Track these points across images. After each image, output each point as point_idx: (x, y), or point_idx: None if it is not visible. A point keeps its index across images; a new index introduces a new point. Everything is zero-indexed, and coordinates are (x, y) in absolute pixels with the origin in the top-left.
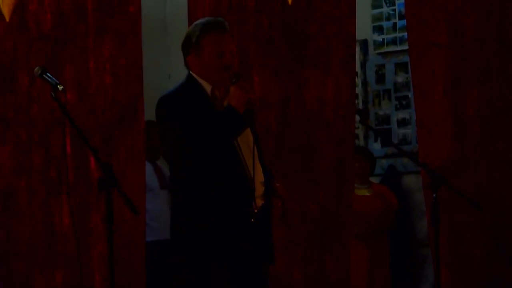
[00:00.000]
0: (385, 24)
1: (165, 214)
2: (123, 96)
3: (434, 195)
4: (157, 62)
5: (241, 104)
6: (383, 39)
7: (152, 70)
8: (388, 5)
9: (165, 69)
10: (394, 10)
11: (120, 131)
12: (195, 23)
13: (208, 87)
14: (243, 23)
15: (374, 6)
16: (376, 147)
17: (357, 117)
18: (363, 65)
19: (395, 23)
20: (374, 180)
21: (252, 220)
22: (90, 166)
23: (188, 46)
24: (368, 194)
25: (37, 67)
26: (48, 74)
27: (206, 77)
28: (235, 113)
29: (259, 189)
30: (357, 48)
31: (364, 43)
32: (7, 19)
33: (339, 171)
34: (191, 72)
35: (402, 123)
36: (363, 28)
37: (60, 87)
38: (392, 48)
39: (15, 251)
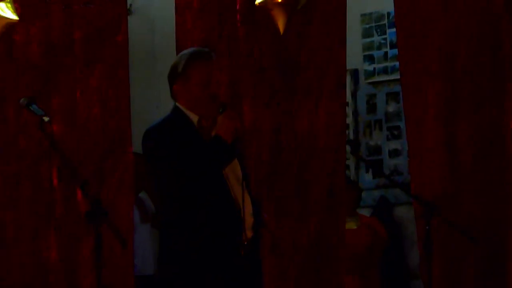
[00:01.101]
0: (376, 53)
1: (145, 249)
2: (111, 127)
3: (427, 226)
4: (146, 92)
5: (229, 133)
6: (374, 68)
7: (140, 100)
8: (379, 34)
9: (153, 99)
10: (385, 39)
11: (109, 163)
12: (181, 53)
13: (194, 118)
14: (234, 53)
15: (364, 35)
16: (367, 178)
17: (348, 148)
18: (354, 95)
19: (386, 52)
20: (365, 212)
21: (242, 252)
22: (77, 198)
23: (175, 75)
24: (355, 227)
25: (23, 98)
26: (34, 105)
27: (193, 107)
28: (223, 143)
29: (249, 221)
30: (348, 78)
31: (355, 73)
32: None
33: (330, 201)
34: (177, 104)
35: (394, 153)
36: (354, 57)
37: (46, 119)
38: (383, 78)
39: (4, 285)
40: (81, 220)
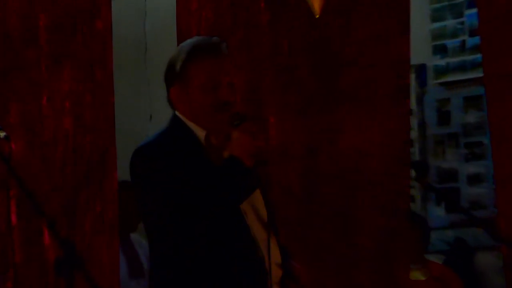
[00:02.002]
0: (450, 43)
1: None
2: (89, 146)
3: None
4: (134, 98)
5: (248, 155)
6: (447, 63)
7: (128, 109)
8: (453, 16)
9: (145, 107)
10: (463, 23)
11: (86, 194)
12: (181, 45)
13: (200, 133)
14: (254, 45)
15: (434, 19)
16: (438, 213)
17: (412, 173)
18: (419, 100)
19: (463, 41)
20: (435, 258)
21: None
22: (44, 242)
23: (172, 76)
24: (422, 279)
25: None
26: None
27: (197, 118)
28: (240, 169)
29: (276, 274)
30: (412, 77)
31: (421, 70)
32: None
33: (387, 246)
34: (176, 113)
35: (474, 179)
36: (420, 49)
37: (2, 134)
38: (459, 76)
39: None
40: (48, 270)
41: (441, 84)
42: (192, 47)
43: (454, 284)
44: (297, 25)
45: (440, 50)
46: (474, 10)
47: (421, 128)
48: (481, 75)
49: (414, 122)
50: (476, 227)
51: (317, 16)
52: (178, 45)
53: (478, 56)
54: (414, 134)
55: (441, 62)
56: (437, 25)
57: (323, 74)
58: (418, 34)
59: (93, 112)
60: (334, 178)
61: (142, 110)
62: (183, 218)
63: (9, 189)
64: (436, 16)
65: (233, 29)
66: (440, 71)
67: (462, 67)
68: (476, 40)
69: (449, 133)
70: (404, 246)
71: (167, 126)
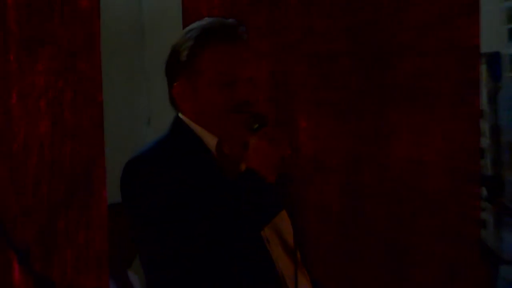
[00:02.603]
0: None
1: None
2: (70, 157)
3: None
4: (129, 95)
5: (270, 168)
6: None
7: (120, 110)
8: None
9: (141, 108)
10: None
11: (67, 218)
12: (188, 27)
13: (211, 140)
14: (281, 29)
15: None
16: None
17: (483, 191)
18: (492, 98)
19: None
20: None
21: None
22: (13, 279)
23: (175, 67)
24: None
25: None
26: None
27: (207, 123)
28: (259, 185)
29: None
30: (482, 69)
31: (494, 60)
32: None
33: (450, 285)
34: (180, 115)
35: None
36: (492, 34)
37: None
38: None
39: None
40: None
41: None
42: (203, 31)
43: None
44: (336, 4)
45: None
46: None
47: (494, 134)
48: None
49: (485, 126)
50: None
51: None
52: (184, 28)
53: None
54: (485, 141)
55: None
56: None
57: (369, 65)
58: (489, 15)
59: (76, 113)
60: (383, 196)
61: (139, 111)
62: (188, 249)
63: None
64: None
65: (254, 8)
66: None
67: None
68: None
69: None
70: (470, 284)
71: (168, 131)
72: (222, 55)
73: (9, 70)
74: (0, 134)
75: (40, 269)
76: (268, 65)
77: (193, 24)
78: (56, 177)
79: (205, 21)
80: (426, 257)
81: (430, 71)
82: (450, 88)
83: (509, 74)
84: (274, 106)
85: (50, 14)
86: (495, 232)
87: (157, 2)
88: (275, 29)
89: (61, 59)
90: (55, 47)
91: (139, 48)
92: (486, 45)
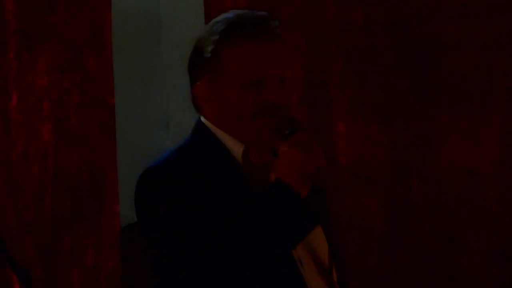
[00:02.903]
0: None
1: None
2: (77, 167)
3: None
4: (144, 97)
5: (302, 179)
6: None
7: (134, 114)
8: None
9: (159, 110)
10: None
11: (73, 237)
12: (213, 20)
13: (236, 148)
14: (316, 21)
15: None
16: None
17: None
18: None
19: None
20: None
21: None
22: None
23: (198, 65)
24: None
25: None
26: None
27: (232, 128)
28: (290, 198)
29: None
30: None
31: None
32: None
33: None
34: (202, 119)
35: None
36: None
37: None
38: None
39: None
40: None
41: None
42: (229, 25)
43: None
44: None
45: None
46: None
47: None
48: None
49: None
50: None
51: None
52: (205, 20)
53: None
54: None
55: None
56: None
57: (414, 61)
58: None
59: (84, 117)
60: (432, 211)
61: (156, 115)
62: (209, 271)
63: None
64: None
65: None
66: None
67: None
68: None
69: None
70: None
71: (189, 138)
72: (250, 51)
73: (7, 69)
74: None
75: None
76: (301, 61)
77: (219, 17)
78: (61, 190)
79: (232, 13)
80: (483, 280)
81: (483, 67)
82: (506, 87)
83: None
84: (307, 108)
85: (54, 6)
86: None
87: None
88: (309, 21)
89: (66, 55)
90: (59, 42)
91: (155, 43)
92: None
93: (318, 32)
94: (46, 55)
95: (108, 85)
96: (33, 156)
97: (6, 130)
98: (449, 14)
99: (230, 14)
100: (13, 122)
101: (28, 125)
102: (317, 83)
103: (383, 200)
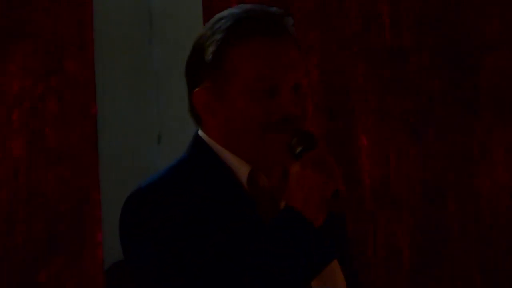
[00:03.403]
0: None
1: None
2: (54, 187)
3: None
4: (132, 106)
5: (315, 205)
6: None
7: (121, 125)
8: None
9: (149, 121)
10: None
11: (50, 269)
12: (216, 17)
13: (241, 168)
14: (335, 17)
15: None
16: None
17: None
18: None
19: None
20: None
21: None
22: None
23: (198, 68)
24: None
25: None
26: None
27: (237, 144)
28: (303, 228)
29: None
30: None
31: None
32: None
33: None
34: (200, 133)
35: None
36: None
37: None
38: None
39: None
40: None
41: None
42: (236, 22)
43: None
44: None
45: None
46: None
47: None
48: None
49: None
50: None
51: None
52: (204, 17)
53: None
54: None
55: None
56: None
57: (450, 65)
58: None
59: (62, 129)
60: (471, 239)
61: (146, 126)
62: None
63: None
64: None
65: None
66: None
67: None
68: None
69: None
70: None
71: (185, 154)
72: (260, 52)
73: None
74: None
75: None
76: (318, 64)
77: (223, 12)
78: (36, 215)
79: (239, 8)
80: None
81: None
82: None
83: None
84: (324, 118)
85: (28, 1)
86: None
87: None
88: (328, 18)
89: (42, 57)
90: (33, 42)
91: (145, 42)
92: None
93: (337, 31)
94: (18, 56)
95: (90, 92)
96: (1, 175)
97: None
98: (489, 8)
99: (236, 9)
100: None
101: None
102: (336, 89)
103: (413, 226)
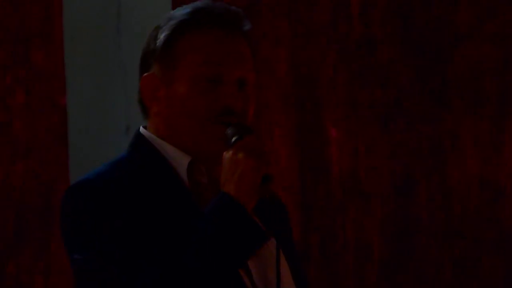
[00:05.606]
0: None
1: None
2: (23, 181)
3: None
4: (101, 97)
5: (249, 188)
6: None
7: (89, 116)
8: None
9: (117, 112)
10: None
11: (18, 262)
12: (176, 9)
13: (181, 161)
14: (305, 7)
15: None
16: None
17: None
18: None
19: None
20: None
21: None
22: None
23: (149, 54)
24: None
25: None
26: None
27: (179, 133)
28: (237, 211)
29: None
30: None
31: None
32: None
33: None
34: (141, 130)
35: None
36: None
37: None
38: None
39: None
40: None
41: None
42: (191, 12)
43: None
44: None
45: None
46: None
47: None
48: None
49: None
50: None
51: None
52: (173, 8)
53: None
54: None
55: None
56: None
57: (420, 55)
58: None
59: (30, 121)
60: (442, 231)
61: (114, 118)
62: None
63: None
64: None
65: None
66: None
67: None
68: None
69: None
70: None
71: (125, 153)
72: (209, 42)
73: None
74: None
75: None
76: (286, 55)
77: (184, 6)
78: (3, 208)
79: (201, 3)
80: None
81: (501, 62)
82: None
83: None
84: (294, 110)
85: None
86: None
87: None
88: (296, 10)
89: (9, 48)
90: (0, 33)
91: (114, 34)
92: None
93: (306, 22)
94: None
95: (58, 83)
96: None
97: None
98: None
99: (199, 3)
100: None
101: None
102: (305, 81)
103: (383, 218)
